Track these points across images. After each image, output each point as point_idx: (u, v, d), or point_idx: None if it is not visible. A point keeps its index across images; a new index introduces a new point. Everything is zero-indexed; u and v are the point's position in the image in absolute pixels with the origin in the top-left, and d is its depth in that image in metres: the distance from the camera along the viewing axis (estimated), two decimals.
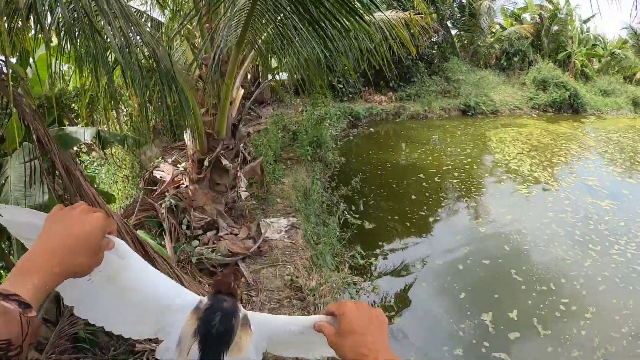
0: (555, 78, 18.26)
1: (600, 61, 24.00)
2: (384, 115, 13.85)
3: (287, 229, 4.70)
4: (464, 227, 6.70)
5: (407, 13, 5.73)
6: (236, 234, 4.26)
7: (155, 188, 4.81)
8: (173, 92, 2.38)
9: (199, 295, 0.92)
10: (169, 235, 3.90)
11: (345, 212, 6.30)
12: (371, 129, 12.29)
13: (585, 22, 24.14)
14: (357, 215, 6.58)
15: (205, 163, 4.01)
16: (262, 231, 4.42)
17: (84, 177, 2.68)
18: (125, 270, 0.81)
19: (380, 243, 6.03)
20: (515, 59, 20.69)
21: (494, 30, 22.25)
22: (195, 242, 3.80)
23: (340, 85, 13.07)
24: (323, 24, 2.66)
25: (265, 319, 0.92)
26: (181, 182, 4.58)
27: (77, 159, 4.13)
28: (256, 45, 3.49)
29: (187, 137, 4.28)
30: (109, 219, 0.73)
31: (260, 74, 11.22)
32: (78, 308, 0.82)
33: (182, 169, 4.67)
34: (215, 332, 0.84)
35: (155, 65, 2.19)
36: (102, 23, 1.82)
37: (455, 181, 8.79)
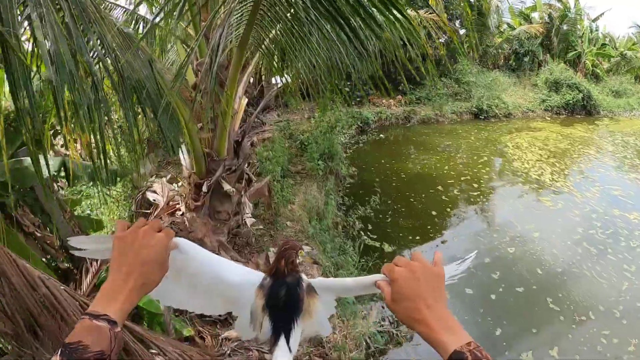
0: (567, 79, 17.72)
1: (609, 61, 23.39)
2: (394, 119, 13.23)
3: (300, 260, 4.07)
4: (491, 248, 6.09)
5: (421, 12, 5.14)
6: None
7: (149, 212, 4.23)
8: (154, 109, 1.78)
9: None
10: None
11: (361, 232, 5.70)
12: (381, 135, 11.64)
13: (594, 20, 23.50)
14: (374, 236, 5.97)
15: (204, 188, 3.41)
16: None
17: (62, 207, 2.15)
18: (188, 263, 0.87)
19: None
20: (526, 59, 20.08)
21: (502, 30, 21.61)
22: None
23: (348, 89, 12.45)
24: (352, 21, 2.05)
25: (329, 284, 0.95)
26: (177, 206, 3.97)
27: (53, 184, 3.52)
28: (263, 46, 2.89)
29: (183, 154, 3.67)
30: (169, 233, 0.78)
31: (263, 76, 10.59)
32: (161, 299, 1.00)
33: (178, 190, 4.06)
34: (282, 305, 0.88)
35: (119, 78, 1.59)
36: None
37: (475, 193, 8.18)
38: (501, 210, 7.48)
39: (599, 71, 21.52)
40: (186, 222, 3.58)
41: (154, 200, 4.22)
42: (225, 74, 3.20)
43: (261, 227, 4.51)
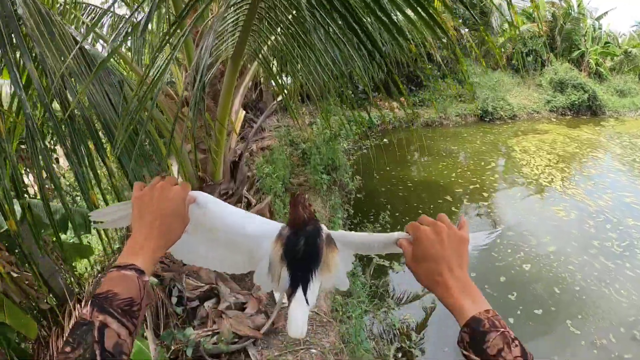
0: (572, 79, 17.38)
1: (612, 60, 23.04)
2: (397, 123, 12.85)
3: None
4: (507, 266, 5.76)
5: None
6: (243, 305, 3.32)
7: None
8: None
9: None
10: (155, 317, 2.96)
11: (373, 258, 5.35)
12: (384, 139, 11.30)
13: (597, 19, 23.12)
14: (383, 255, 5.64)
15: None
16: (276, 298, 3.47)
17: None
18: (206, 216, 0.85)
19: (414, 292, 5.10)
20: (529, 58, 19.71)
21: (504, 29, 21.23)
22: (190, 330, 2.85)
23: (351, 91, 12.07)
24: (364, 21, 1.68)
25: (349, 237, 0.91)
26: None
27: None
28: (260, 55, 2.54)
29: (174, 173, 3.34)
30: (186, 186, 0.80)
31: (261, 78, 10.22)
32: (176, 254, 0.91)
33: None
34: (301, 255, 0.85)
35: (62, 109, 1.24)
36: None
37: (486, 203, 7.84)
38: (514, 221, 7.14)
39: (602, 70, 21.17)
40: None
41: None
42: (217, 87, 2.86)
43: None
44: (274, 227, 0.90)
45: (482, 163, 10.12)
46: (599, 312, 5.00)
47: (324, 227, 0.90)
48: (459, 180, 8.92)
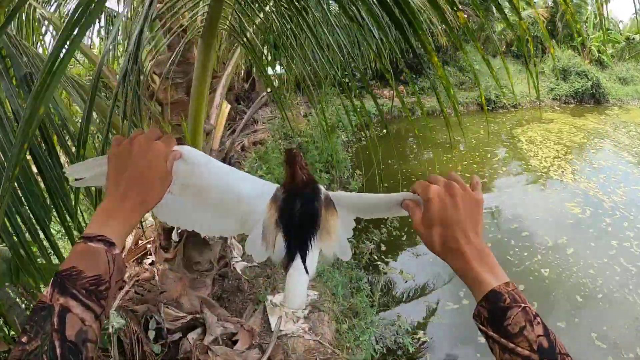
0: (576, 66, 16.88)
1: (614, 47, 22.56)
2: (396, 112, 12.29)
3: (305, 312, 3.22)
4: (524, 271, 5.29)
5: None
6: (233, 336, 2.79)
7: None
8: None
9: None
10: (129, 356, 2.42)
11: (375, 256, 4.85)
12: (384, 130, 10.75)
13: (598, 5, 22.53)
14: (389, 259, 5.13)
15: (174, 237, 2.51)
16: (273, 326, 2.94)
17: None
18: (193, 174, 0.76)
19: (427, 303, 4.64)
20: (530, 45, 19.13)
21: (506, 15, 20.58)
22: None
23: (346, 80, 11.42)
24: None
25: (350, 198, 0.83)
26: (147, 248, 3.08)
27: None
28: (245, 39, 2.00)
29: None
30: (169, 140, 0.69)
31: (254, 67, 9.58)
32: (159, 213, 0.80)
33: (150, 226, 3.16)
34: (298, 220, 0.76)
35: None
36: None
37: (495, 203, 7.32)
38: (527, 220, 6.64)
39: (604, 57, 20.69)
40: (156, 278, 2.69)
41: None
42: (188, 72, 2.30)
43: (256, 264, 3.62)
44: (269, 189, 0.80)
45: (489, 155, 9.64)
46: (624, 322, 4.62)
47: (322, 188, 0.80)
48: (467, 175, 8.39)
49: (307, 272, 0.74)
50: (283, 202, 0.77)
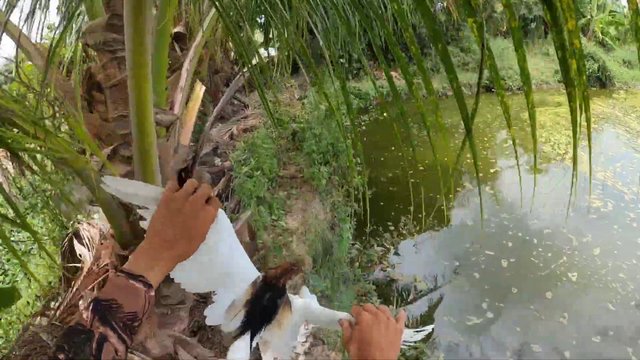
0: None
1: (617, 29, 21.79)
2: (402, 94, 11.53)
3: (305, 343, 2.58)
4: (550, 276, 4.70)
5: None
6: None
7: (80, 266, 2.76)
8: None
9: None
10: None
11: (382, 261, 4.19)
12: (385, 114, 10.03)
13: None
14: (399, 260, 4.48)
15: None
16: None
17: None
18: (211, 238, 0.76)
19: (447, 319, 4.03)
20: (533, 25, 18.34)
21: None
22: None
23: (343, 60, 10.56)
24: None
25: (304, 306, 0.94)
26: (107, 267, 2.41)
27: None
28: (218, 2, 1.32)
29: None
30: (217, 205, 0.71)
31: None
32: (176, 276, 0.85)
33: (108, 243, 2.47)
34: (262, 307, 0.87)
35: None
36: None
37: (509, 191, 6.69)
38: (547, 216, 5.98)
39: (608, 40, 19.94)
40: None
41: (80, 255, 2.67)
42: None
43: None
44: (254, 275, 0.89)
45: (498, 141, 8.99)
46: None
47: (287, 292, 0.90)
48: (477, 163, 7.74)
49: (250, 348, 0.85)
50: (259, 289, 0.88)
